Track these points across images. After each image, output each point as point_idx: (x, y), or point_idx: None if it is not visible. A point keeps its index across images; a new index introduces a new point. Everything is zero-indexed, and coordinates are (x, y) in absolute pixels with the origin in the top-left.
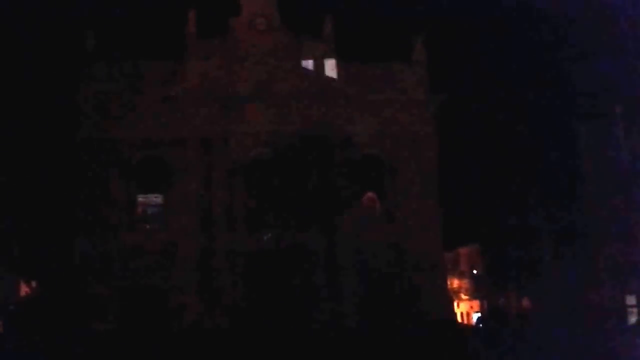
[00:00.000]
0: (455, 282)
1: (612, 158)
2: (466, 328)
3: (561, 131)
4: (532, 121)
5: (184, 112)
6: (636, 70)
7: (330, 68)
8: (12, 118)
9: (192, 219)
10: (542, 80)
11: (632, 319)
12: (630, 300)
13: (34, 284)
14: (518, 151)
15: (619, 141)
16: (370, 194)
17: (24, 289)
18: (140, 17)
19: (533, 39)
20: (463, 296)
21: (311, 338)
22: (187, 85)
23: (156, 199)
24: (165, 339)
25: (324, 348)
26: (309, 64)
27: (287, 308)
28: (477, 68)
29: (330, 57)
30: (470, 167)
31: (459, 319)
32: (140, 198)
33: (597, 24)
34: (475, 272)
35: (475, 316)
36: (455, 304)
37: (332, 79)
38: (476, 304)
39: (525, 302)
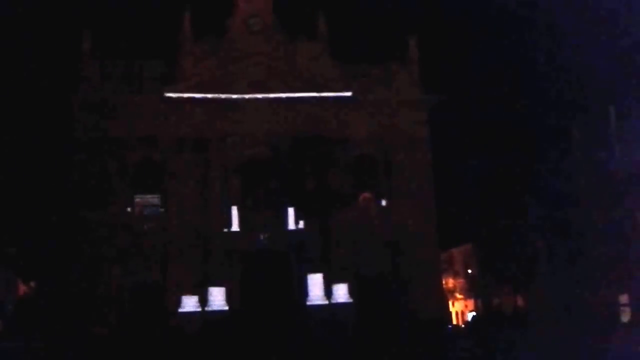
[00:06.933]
0: (450, 282)
1: (605, 158)
2: (460, 326)
3: (555, 131)
4: (525, 121)
5: (180, 113)
6: (630, 70)
7: (325, 68)
8: (10, 118)
9: (189, 219)
10: (536, 80)
11: (625, 317)
12: (623, 298)
13: (32, 283)
14: (512, 151)
15: (612, 141)
16: (365, 194)
17: (22, 289)
18: (136, 18)
19: (527, 40)
20: (458, 295)
21: (307, 336)
22: (184, 86)
23: (153, 199)
24: (162, 338)
25: (320, 346)
26: (304, 64)
27: (283, 306)
28: (471, 68)
29: (325, 57)
30: (463, 167)
31: (453, 317)
32: (138, 198)
33: (592, 25)
34: (469, 271)
35: (470, 315)
36: (450, 303)
37: (326, 79)
38: (471, 303)
39: (520, 301)
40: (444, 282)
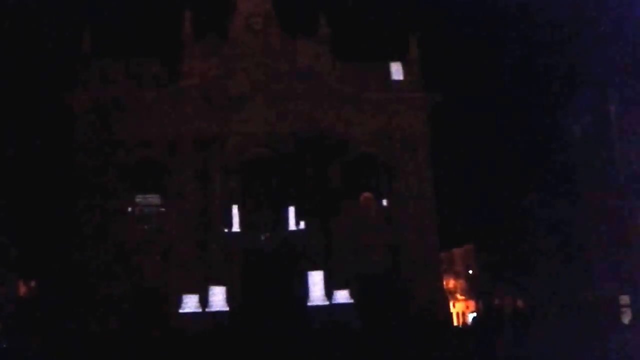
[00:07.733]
0: (451, 282)
1: (606, 158)
2: (461, 327)
3: (556, 131)
4: (526, 121)
5: (180, 113)
6: (631, 70)
7: (326, 67)
8: (10, 119)
9: (189, 219)
10: (537, 79)
11: (626, 318)
12: (624, 299)
13: (32, 283)
14: (513, 151)
15: (613, 141)
16: (366, 194)
17: (22, 289)
18: (136, 18)
19: (528, 39)
20: (459, 296)
21: (308, 336)
22: (184, 86)
23: (154, 199)
24: (163, 338)
25: (321, 346)
26: (304, 63)
27: (284, 307)
28: (471, 67)
29: (325, 56)
30: (464, 167)
31: (455, 318)
32: (138, 199)
33: (593, 24)
34: (470, 272)
35: (470, 316)
36: (451, 303)
37: (327, 78)
38: (472, 304)
39: (520, 302)
40: (444, 282)
